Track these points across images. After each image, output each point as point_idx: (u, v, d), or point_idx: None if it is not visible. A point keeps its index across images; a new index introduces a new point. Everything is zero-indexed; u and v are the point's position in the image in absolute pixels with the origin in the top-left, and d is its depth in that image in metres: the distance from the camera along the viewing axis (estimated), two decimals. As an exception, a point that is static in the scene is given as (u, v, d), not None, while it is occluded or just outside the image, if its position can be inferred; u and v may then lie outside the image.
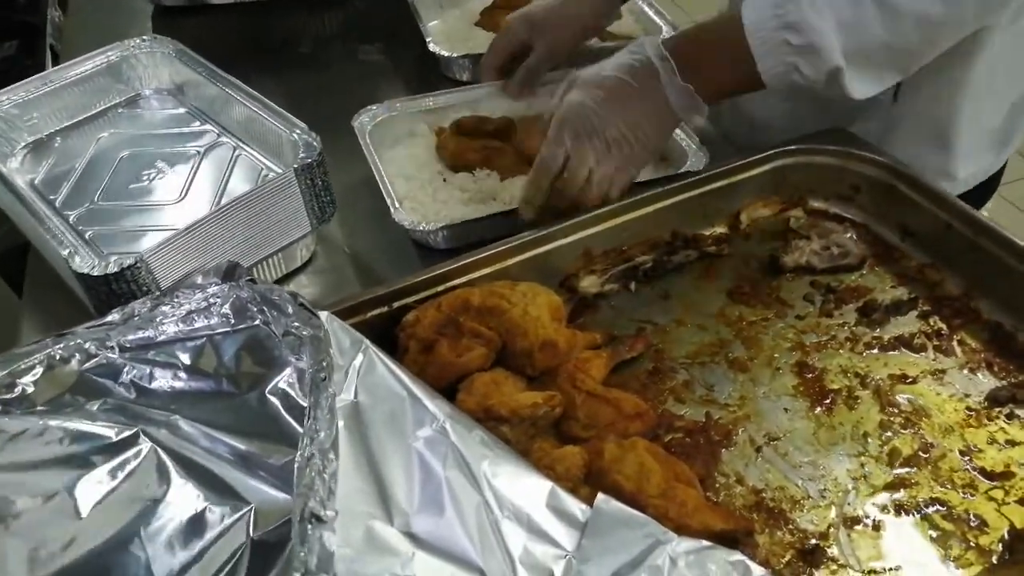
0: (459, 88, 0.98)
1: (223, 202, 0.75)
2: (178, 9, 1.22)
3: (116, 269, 0.62)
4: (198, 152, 0.82)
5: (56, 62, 1.88)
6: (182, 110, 0.89)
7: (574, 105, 0.74)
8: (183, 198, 0.77)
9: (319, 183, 0.73)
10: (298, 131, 0.75)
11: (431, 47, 1.05)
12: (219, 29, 1.19)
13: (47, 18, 2.00)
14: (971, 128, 0.89)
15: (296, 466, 0.41)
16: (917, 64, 0.74)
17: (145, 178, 0.80)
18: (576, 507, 0.46)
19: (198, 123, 0.87)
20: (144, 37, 0.90)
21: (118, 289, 0.64)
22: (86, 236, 0.73)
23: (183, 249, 0.66)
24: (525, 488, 0.45)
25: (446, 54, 1.04)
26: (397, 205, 0.80)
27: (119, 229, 0.74)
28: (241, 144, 0.83)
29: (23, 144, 0.83)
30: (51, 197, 0.77)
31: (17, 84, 0.83)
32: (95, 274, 0.62)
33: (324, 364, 0.47)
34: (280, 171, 0.76)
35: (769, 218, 0.84)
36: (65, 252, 0.64)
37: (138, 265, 0.63)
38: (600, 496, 0.47)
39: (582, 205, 0.76)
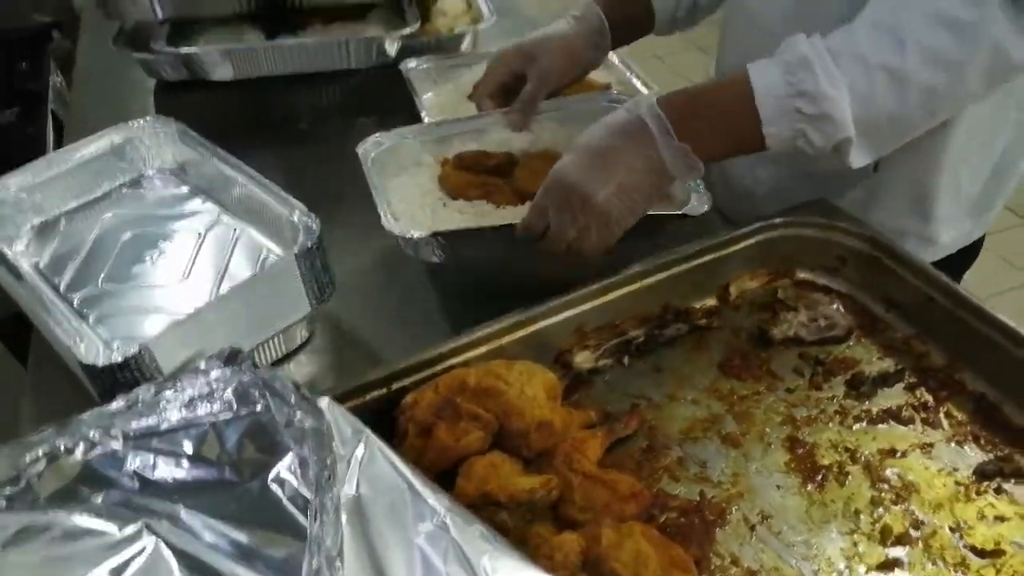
0: (467, 118, 0.99)
1: (224, 285, 0.77)
2: (180, 84, 1.26)
3: (120, 359, 0.64)
4: (200, 232, 0.84)
5: (58, 129, 1.92)
6: (184, 189, 0.91)
7: (560, 175, 0.75)
8: (186, 279, 0.79)
9: (318, 264, 0.75)
10: (298, 212, 0.77)
11: (426, 121, 1.08)
12: (220, 105, 1.22)
13: (48, 85, 2.04)
14: (950, 195, 0.92)
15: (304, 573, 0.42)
16: (912, 135, 0.76)
17: (148, 259, 0.82)
18: (574, 601, 0.47)
19: (200, 202, 0.89)
20: (147, 118, 0.93)
21: (122, 378, 0.65)
22: (90, 320, 0.74)
23: (185, 335, 0.67)
24: (524, 583, 0.46)
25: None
26: (390, 217, 0.81)
27: (123, 312, 0.76)
28: (242, 224, 0.85)
29: (29, 226, 0.85)
30: (56, 280, 0.79)
31: (23, 167, 0.85)
32: (100, 364, 0.64)
33: (328, 462, 0.48)
34: (280, 253, 0.78)
35: (757, 289, 0.86)
36: (70, 342, 0.65)
37: (141, 353, 0.65)
38: (597, 590, 0.48)
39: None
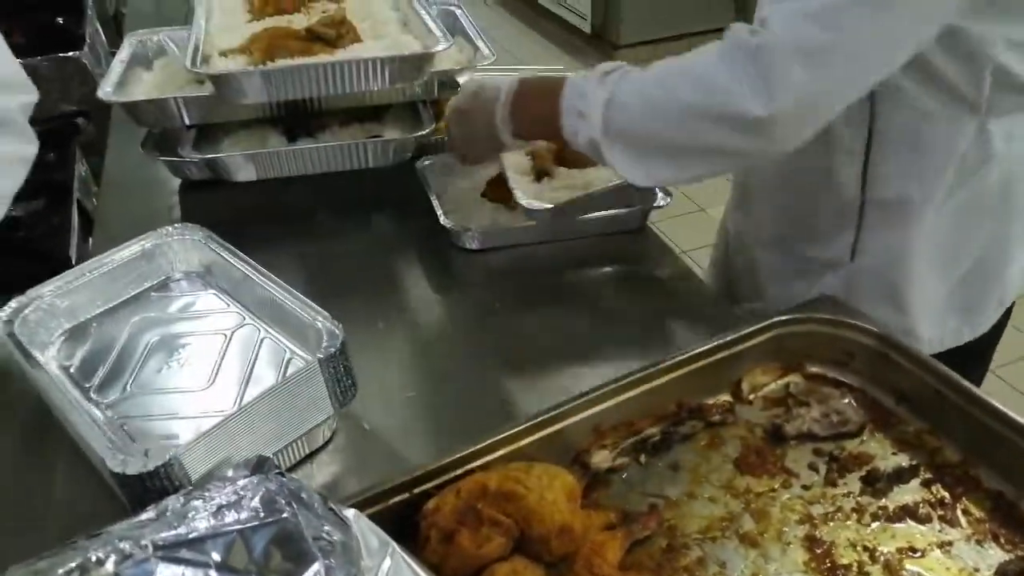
0: None
1: (249, 391, 0.79)
2: (203, 182, 1.31)
3: (151, 468, 0.65)
4: (225, 336, 0.87)
5: (82, 218, 1.97)
6: (210, 292, 0.94)
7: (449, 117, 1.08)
8: (211, 384, 0.81)
9: (341, 369, 0.77)
10: (321, 319, 0.80)
11: (442, 220, 1.12)
12: (241, 202, 1.27)
13: (75, 174, 2.11)
14: (921, 292, 0.97)
15: None
16: (701, 165, 0.84)
17: (175, 362, 0.84)
18: None
19: (225, 305, 0.92)
20: (176, 225, 0.97)
21: (151, 485, 0.66)
22: (119, 425, 0.76)
23: (212, 442, 0.69)
24: None
25: (456, 227, 1.12)
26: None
27: (151, 417, 0.78)
28: (266, 326, 0.88)
29: (61, 331, 0.88)
30: (86, 384, 0.81)
31: (57, 277, 0.89)
32: (130, 473, 0.65)
33: (357, 578, 0.49)
34: (306, 356, 0.80)
35: (769, 384, 0.88)
36: (102, 450, 0.67)
37: (171, 462, 0.66)
38: None
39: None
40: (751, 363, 0.87)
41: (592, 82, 0.84)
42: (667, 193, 1.16)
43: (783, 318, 0.87)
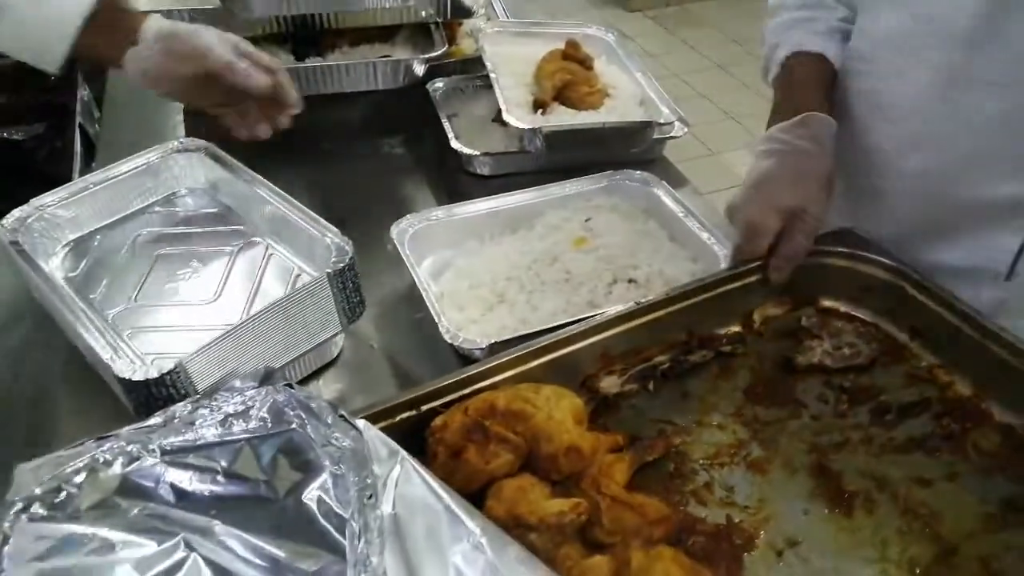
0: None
1: (256, 305, 0.78)
2: (208, 103, 1.28)
3: (156, 375, 0.65)
4: (231, 251, 0.86)
5: (85, 143, 1.94)
6: (215, 208, 0.93)
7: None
8: (217, 298, 0.80)
9: (350, 285, 0.76)
10: (331, 234, 0.78)
11: (454, 145, 1.10)
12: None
13: (77, 98, 2.07)
14: None
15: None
16: None
17: (180, 277, 0.83)
18: (609, 624, 0.47)
19: (231, 221, 0.90)
20: (180, 139, 0.95)
21: (157, 393, 0.66)
22: (125, 336, 0.76)
23: (219, 353, 0.68)
24: (560, 606, 0.47)
25: (468, 152, 1.09)
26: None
27: (156, 329, 0.77)
28: (273, 243, 0.86)
29: (65, 243, 0.87)
30: (91, 296, 0.80)
31: (61, 187, 0.87)
32: (136, 379, 0.65)
33: (368, 482, 0.48)
34: (313, 274, 0.79)
35: (781, 317, 0.87)
36: (107, 356, 0.66)
37: (177, 370, 0.66)
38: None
39: None
40: (763, 296, 0.86)
41: None
42: (684, 123, 1.14)
43: (800, 250, 0.86)
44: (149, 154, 0.93)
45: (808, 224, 0.81)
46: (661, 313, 0.80)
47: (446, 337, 0.80)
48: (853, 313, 0.86)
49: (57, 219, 0.86)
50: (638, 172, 1.05)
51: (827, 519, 0.67)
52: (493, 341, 0.79)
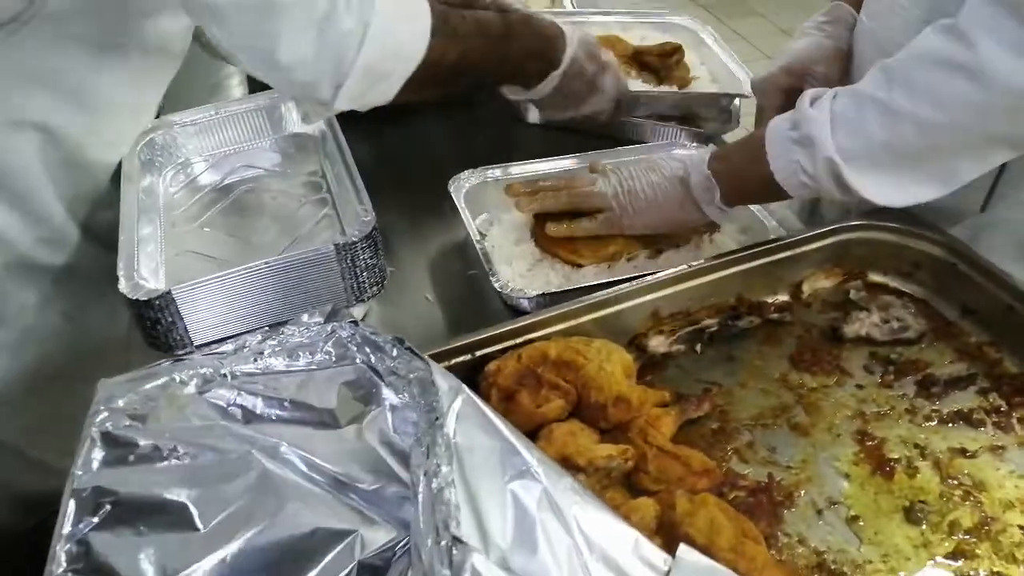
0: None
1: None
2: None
3: (145, 298, 0.69)
4: (301, 202, 0.89)
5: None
6: (313, 159, 0.96)
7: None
8: (265, 243, 0.83)
9: (364, 263, 0.76)
10: (361, 207, 0.79)
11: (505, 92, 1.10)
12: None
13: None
14: None
15: (421, 495, 0.45)
16: (948, 175, 0.74)
17: (250, 215, 0.86)
18: (659, 557, 0.49)
19: (317, 174, 0.94)
20: None
21: (146, 314, 0.70)
22: (159, 256, 0.80)
23: (211, 293, 0.72)
24: (612, 535, 0.49)
25: (517, 99, 1.10)
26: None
27: (196, 256, 0.81)
28: (334, 204, 0.89)
29: (177, 162, 0.94)
30: (173, 212, 0.87)
31: (188, 110, 0.95)
32: (130, 297, 0.69)
33: (435, 405, 0.51)
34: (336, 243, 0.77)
35: (829, 289, 0.87)
36: (121, 271, 0.71)
37: (163, 298, 0.70)
38: (682, 547, 0.50)
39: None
40: (813, 266, 0.87)
41: (803, 109, 0.76)
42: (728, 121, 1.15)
43: (850, 223, 0.86)
44: (273, 94, 0.98)
45: (817, 80, 0.92)
46: (712, 277, 0.82)
47: (496, 286, 0.82)
48: (902, 289, 0.87)
49: (177, 140, 0.93)
50: (693, 142, 1.05)
51: (868, 482, 0.68)
52: (542, 292, 0.81)
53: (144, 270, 0.72)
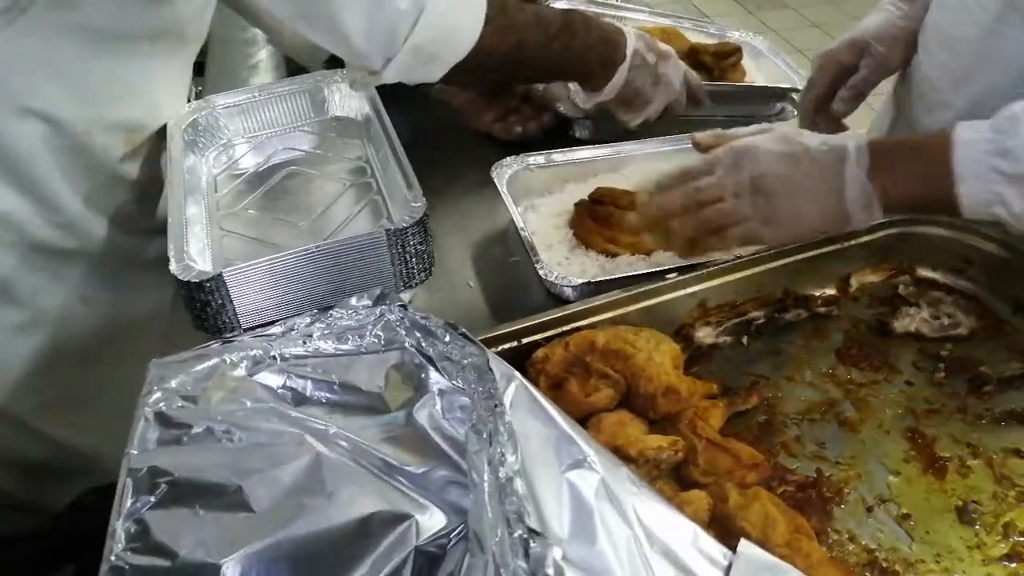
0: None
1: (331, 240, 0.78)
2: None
3: (196, 280, 0.68)
4: (345, 186, 0.88)
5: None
6: (356, 143, 0.95)
7: (751, 145, 0.72)
8: (310, 227, 0.82)
9: (413, 248, 0.75)
10: (411, 193, 0.78)
11: (560, 109, 1.09)
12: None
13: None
14: None
15: (487, 484, 0.45)
16: None
17: (293, 198, 0.86)
18: (718, 550, 0.49)
19: (362, 158, 0.93)
20: (342, 70, 0.98)
21: (197, 297, 0.69)
22: (208, 237, 0.80)
23: (261, 276, 0.71)
24: (671, 527, 0.48)
25: (571, 115, 1.09)
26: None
27: (248, 239, 0.81)
28: (380, 188, 0.88)
29: (219, 143, 0.94)
30: (216, 193, 0.86)
31: (230, 92, 0.95)
32: (181, 279, 0.69)
33: (493, 392, 0.51)
34: (388, 227, 0.76)
35: (878, 284, 0.86)
36: (172, 253, 0.70)
37: (214, 281, 0.69)
38: (743, 541, 0.50)
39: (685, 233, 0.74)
40: (861, 261, 0.86)
41: (1010, 135, 0.65)
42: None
43: (901, 217, 0.85)
44: (317, 76, 0.98)
45: (874, 58, 0.91)
46: (758, 270, 0.81)
47: (541, 274, 0.81)
48: (952, 285, 0.85)
49: (220, 121, 0.93)
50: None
51: (919, 480, 0.67)
52: (587, 280, 0.80)
53: (192, 251, 0.72)
